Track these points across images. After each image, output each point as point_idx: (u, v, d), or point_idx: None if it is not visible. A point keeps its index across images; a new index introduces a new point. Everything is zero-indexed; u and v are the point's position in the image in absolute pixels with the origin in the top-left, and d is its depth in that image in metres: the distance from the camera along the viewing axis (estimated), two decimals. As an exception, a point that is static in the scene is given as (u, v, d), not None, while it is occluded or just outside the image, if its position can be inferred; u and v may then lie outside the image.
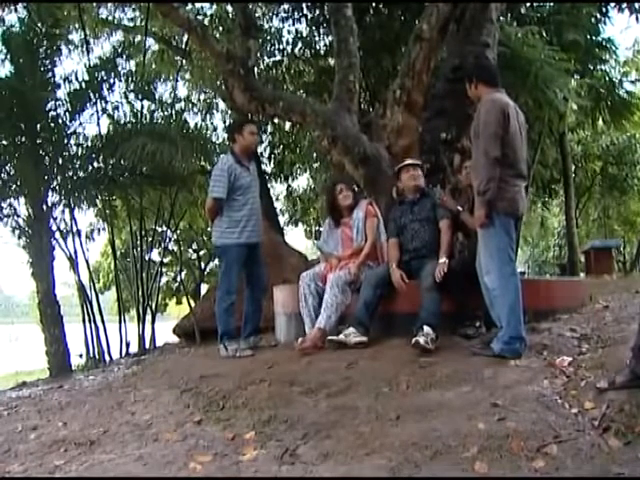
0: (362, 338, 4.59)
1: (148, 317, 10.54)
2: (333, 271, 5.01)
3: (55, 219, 9.25)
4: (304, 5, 11.59)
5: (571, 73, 10.24)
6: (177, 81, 13.50)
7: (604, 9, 11.60)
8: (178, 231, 13.61)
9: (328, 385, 3.77)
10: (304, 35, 12.31)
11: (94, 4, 12.43)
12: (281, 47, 12.70)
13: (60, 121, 9.02)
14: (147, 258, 11.48)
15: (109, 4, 13.20)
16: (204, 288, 17.16)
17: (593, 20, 11.57)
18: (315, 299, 4.97)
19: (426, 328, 4.32)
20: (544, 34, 10.59)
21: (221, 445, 3.09)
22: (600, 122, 14.28)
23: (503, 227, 3.93)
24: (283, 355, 4.76)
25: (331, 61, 10.92)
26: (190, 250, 18.61)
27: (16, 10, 10.46)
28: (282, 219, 16.75)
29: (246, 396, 3.80)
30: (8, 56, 8.77)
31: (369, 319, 4.70)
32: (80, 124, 9.36)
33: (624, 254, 23.08)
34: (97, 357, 9.27)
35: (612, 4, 11.40)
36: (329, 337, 4.65)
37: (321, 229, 6.23)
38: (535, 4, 11.58)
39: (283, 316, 5.59)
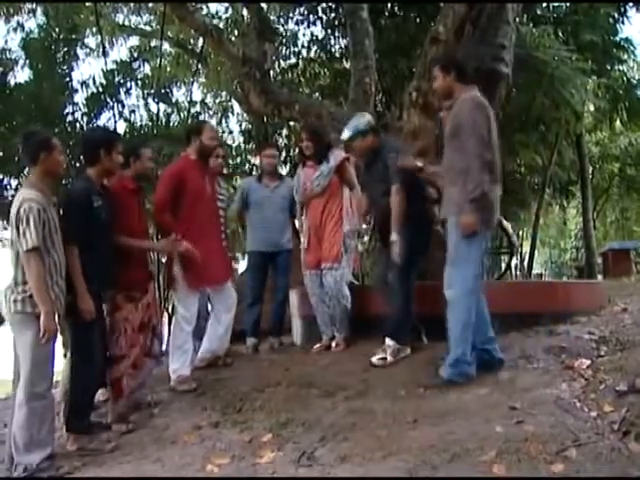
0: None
1: (164, 319, 10.58)
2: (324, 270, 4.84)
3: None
4: (319, 8, 11.59)
5: (588, 74, 10.15)
6: (193, 84, 13.56)
7: (622, 9, 11.50)
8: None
9: (345, 388, 3.78)
10: (319, 38, 12.27)
11: (111, 9, 12.53)
12: (296, 50, 12.68)
13: (78, 125, 9.08)
14: (163, 262, 11.50)
15: (125, 9, 13.31)
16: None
17: (611, 20, 11.48)
18: (325, 304, 4.88)
19: (387, 341, 4.18)
20: (560, 34, 10.53)
21: (238, 447, 3.11)
22: (618, 123, 14.19)
23: (477, 240, 3.57)
24: (300, 357, 4.78)
25: (347, 64, 10.90)
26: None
27: (35, 16, 10.59)
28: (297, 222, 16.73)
29: (263, 398, 3.82)
30: (27, 62, 8.86)
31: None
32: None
33: (642, 256, 22.80)
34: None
35: (630, 4, 11.31)
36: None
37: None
38: (551, 4, 11.50)
39: (299, 319, 5.60)
